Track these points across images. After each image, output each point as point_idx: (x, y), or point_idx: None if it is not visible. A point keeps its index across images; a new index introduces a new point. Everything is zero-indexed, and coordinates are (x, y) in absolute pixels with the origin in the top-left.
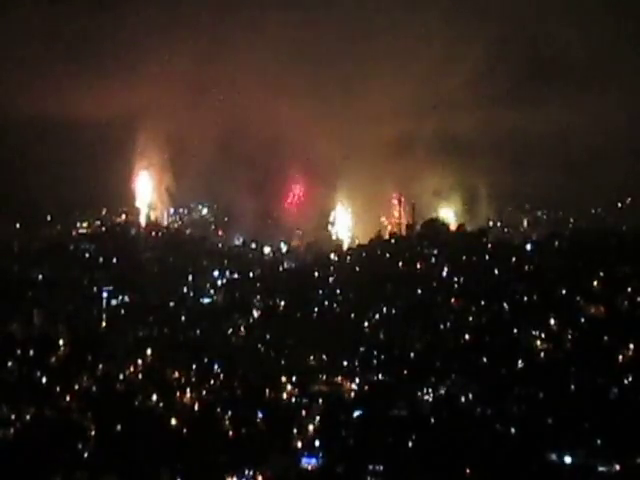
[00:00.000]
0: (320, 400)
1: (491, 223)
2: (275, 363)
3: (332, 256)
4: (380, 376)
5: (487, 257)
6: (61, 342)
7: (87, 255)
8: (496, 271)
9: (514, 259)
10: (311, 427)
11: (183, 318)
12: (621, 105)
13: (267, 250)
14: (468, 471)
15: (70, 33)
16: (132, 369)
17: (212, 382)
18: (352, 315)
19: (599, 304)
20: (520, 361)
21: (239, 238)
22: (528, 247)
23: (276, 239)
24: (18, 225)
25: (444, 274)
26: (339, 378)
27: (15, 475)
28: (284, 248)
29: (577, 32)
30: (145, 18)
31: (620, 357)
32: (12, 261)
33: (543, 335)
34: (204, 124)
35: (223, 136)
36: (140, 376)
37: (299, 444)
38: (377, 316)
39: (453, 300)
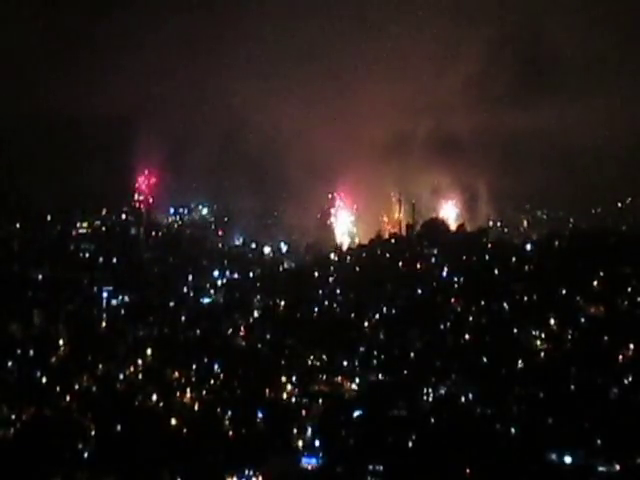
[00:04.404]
0: (320, 400)
1: (491, 223)
2: (275, 363)
3: (332, 256)
4: (380, 376)
5: (487, 257)
6: (61, 342)
7: (87, 255)
8: (496, 271)
9: (514, 259)
10: (311, 427)
11: (183, 318)
12: (621, 105)
13: (267, 250)
14: (468, 471)
15: (70, 32)
16: (132, 369)
17: (212, 382)
18: (352, 315)
19: (599, 304)
20: (520, 361)
21: (239, 238)
22: (528, 247)
23: (276, 239)
24: (18, 225)
25: (444, 274)
26: (339, 378)
27: (15, 475)
28: (284, 248)
29: (577, 32)
30: (145, 17)
31: (620, 357)
32: (12, 261)
33: (543, 335)
34: (204, 124)
35: (223, 136)
36: (140, 376)
37: (299, 444)
38: (377, 316)
39: (453, 300)
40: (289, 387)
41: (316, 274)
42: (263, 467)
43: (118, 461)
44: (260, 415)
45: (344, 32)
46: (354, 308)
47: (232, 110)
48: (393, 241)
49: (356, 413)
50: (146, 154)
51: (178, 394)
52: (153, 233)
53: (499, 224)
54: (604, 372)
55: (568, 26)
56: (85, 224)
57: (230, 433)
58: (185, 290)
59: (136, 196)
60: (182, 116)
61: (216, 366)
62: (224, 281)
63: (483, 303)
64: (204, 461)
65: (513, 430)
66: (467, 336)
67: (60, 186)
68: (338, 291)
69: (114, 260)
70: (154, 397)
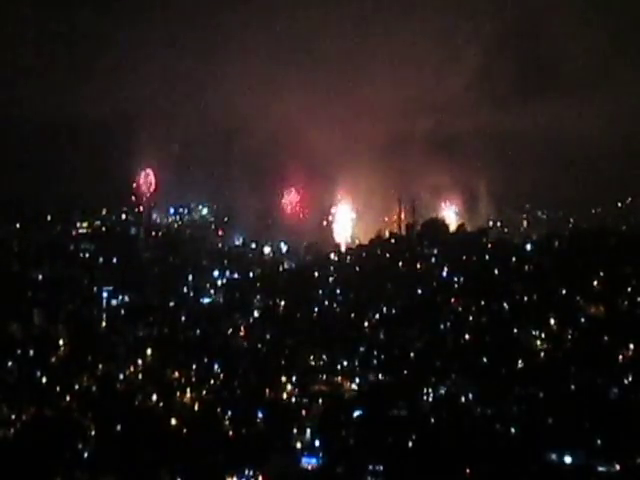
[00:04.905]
0: (320, 400)
1: (491, 223)
2: (275, 363)
3: (332, 256)
4: (380, 376)
5: (487, 257)
6: (61, 342)
7: (87, 255)
8: (496, 271)
9: (514, 259)
10: (311, 427)
11: (183, 318)
12: (621, 105)
13: (267, 250)
14: (468, 471)
15: (70, 32)
16: (132, 369)
17: (212, 382)
18: (352, 315)
19: (599, 304)
20: (520, 361)
21: (239, 238)
22: (528, 247)
23: (276, 239)
24: (18, 225)
25: (444, 274)
26: (339, 378)
27: (15, 475)
28: (284, 248)
29: (577, 32)
30: (145, 16)
31: (620, 357)
32: (12, 261)
33: (543, 335)
34: (204, 123)
35: (223, 136)
36: (140, 376)
37: (299, 444)
38: (377, 316)
39: (453, 300)
40: (289, 387)
41: (316, 274)
42: (263, 467)
43: (118, 461)
44: (260, 415)
45: (345, 32)
46: (354, 308)
47: (232, 110)
48: (393, 241)
49: (356, 413)
50: (146, 154)
51: (178, 394)
52: (153, 233)
53: (499, 224)
54: (604, 372)
55: (568, 26)
56: (85, 224)
57: (230, 433)
58: (185, 290)
59: (135, 196)
60: (182, 116)
61: (216, 366)
62: (224, 281)
63: (483, 303)
64: (204, 461)
65: (513, 430)
66: (467, 336)
67: (60, 186)
68: (338, 291)
69: (114, 260)
70: (154, 397)
